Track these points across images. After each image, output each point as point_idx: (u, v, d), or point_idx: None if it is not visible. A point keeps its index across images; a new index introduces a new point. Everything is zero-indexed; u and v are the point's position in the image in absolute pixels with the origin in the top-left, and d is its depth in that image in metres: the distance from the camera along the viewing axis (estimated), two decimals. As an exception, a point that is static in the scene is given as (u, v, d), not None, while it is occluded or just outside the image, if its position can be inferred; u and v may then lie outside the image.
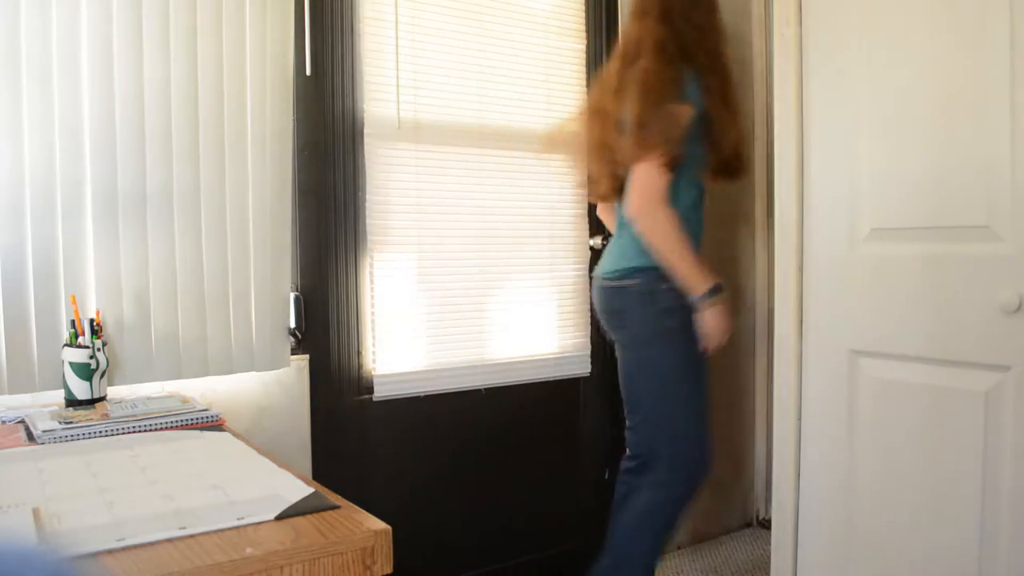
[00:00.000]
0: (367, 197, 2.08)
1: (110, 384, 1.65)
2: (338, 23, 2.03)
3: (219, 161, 1.80)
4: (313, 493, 0.99)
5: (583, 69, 2.48)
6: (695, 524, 2.78)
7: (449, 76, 2.21)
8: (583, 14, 2.48)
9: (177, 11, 1.73)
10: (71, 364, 1.56)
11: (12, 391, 1.59)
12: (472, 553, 2.31)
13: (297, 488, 1.01)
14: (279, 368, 1.92)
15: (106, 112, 1.67)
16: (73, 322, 1.60)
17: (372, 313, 2.11)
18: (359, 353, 2.09)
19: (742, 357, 2.89)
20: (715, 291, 1.81)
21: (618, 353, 2.01)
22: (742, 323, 2.89)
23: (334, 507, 0.95)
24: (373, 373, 2.11)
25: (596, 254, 2.50)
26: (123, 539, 0.83)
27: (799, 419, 2.00)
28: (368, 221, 2.08)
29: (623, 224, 1.92)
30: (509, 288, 2.33)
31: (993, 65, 1.57)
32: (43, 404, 1.59)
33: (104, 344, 1.61)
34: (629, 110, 1.80)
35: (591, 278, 2.07)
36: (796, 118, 1.98)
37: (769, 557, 2.12)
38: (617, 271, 1.90)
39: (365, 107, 2.07)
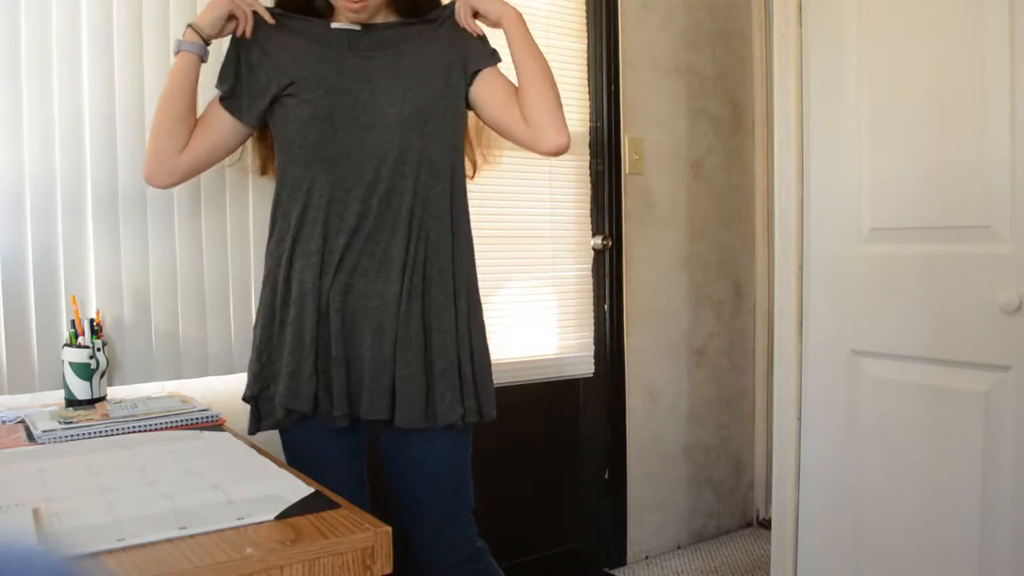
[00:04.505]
0: (367, 197, 2.08)
1: (110, 384, 1.65)
2: (338, 23, 2.03)
3: (219, 161, 1.80)
4: (313, 493, 0.99)
5: (583, 69, 2.48)
6: (695, 524, 2.78)
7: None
8: (583, 14, 2.48)
9: (177, 10, 1.73)
10: (71, 364, 1.56)
11: (12, 391, 1.59)
12: (472, 553, 2.31)
13: (297, 488, 1.01)
14: (279, 368, 1.92)
15: (106, 112, 1.66)
16: (73, 322, 1.60)
17: (372, 313, 2.10)
18: (359, 353, 2.09)
19: (742, 357, 2.89)
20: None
21: None
22: (742, 323, 2.89)
23: (334, 507, 0.95)
24: (373, 373, 2.10)
25: (598, 254, 2.50)
26: (123, 539, 0.83)
27: (799, 419, 2.00)
28: (368, 221, 2.08)
29: None
30: (510, 288, 2.33)
31: (993, 65, 1.57)
32: (43, 404, 1.59)
33: (104, 344, 1.61)
34: None
35: None
36: (796, 118, 1.98)
37: (769, 557, 2.12)
38: None
39: (365, 107, 2.07)
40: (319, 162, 1.40)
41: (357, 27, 1.47)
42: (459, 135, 1.48)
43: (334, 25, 1.47)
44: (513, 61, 1.48)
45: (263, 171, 1.67)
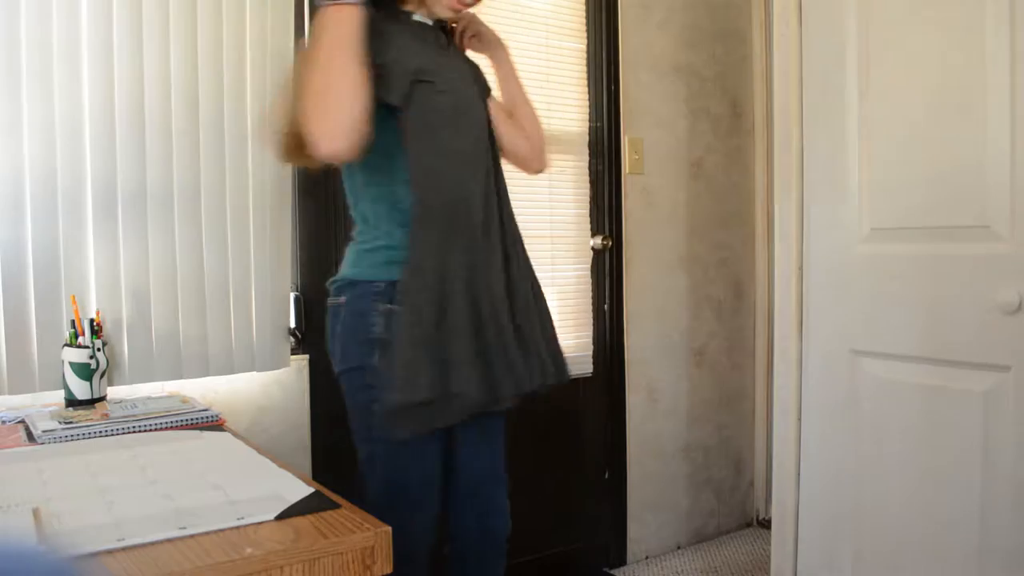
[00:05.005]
0: (367, 197, 2.08)
1: (110, 384, 1.65)
2: (338, 23, 2.02)
3: (219, 160, 1.80)
4: (313, 493, 0.99)
5: (583, 69, 2.48)
6: (695, 524, 2.78)
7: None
8: (583, 14, 2.48)
9: (177, 8, 1.73)
10: (71, 364, 1.55)
11: (12, 391, 1.59)
12: (472, 553, 2.31)
13: (297, 488, 1.01)
14: (279, 368, 1.92)
15: (106, 110, 1.66)
16: (73, 322, 1.60)
17: (372, 313, 2.10)
18: (359, 353, 2.08)
19: (742, 357, 2.89)
20: None
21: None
22: (742, 323, 2.89)
23: (334, 507, 0.95)
24: (373, 373, 2.10)
25: (597, 254, 2.50)
26: (123, 539, 0.83)
27: (799, 419, 2.00)
28: (368, 221, 2.08)
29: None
30: (509, 288, 2.33)
31: (992, 65, 1.57)
32: (43, 404, 1.59)
33: (104, 344, 1.61)
34: None
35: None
36: (796, 118, 1.98)
37: (769, 557, 2.12)
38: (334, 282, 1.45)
39: (365, 107, 2.07)
40: (454, 154, 1.38)
41: (430, 22, 1.45)
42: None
43: (415, 17, 1.43)
44: (506, 89, 1.60)
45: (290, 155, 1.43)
